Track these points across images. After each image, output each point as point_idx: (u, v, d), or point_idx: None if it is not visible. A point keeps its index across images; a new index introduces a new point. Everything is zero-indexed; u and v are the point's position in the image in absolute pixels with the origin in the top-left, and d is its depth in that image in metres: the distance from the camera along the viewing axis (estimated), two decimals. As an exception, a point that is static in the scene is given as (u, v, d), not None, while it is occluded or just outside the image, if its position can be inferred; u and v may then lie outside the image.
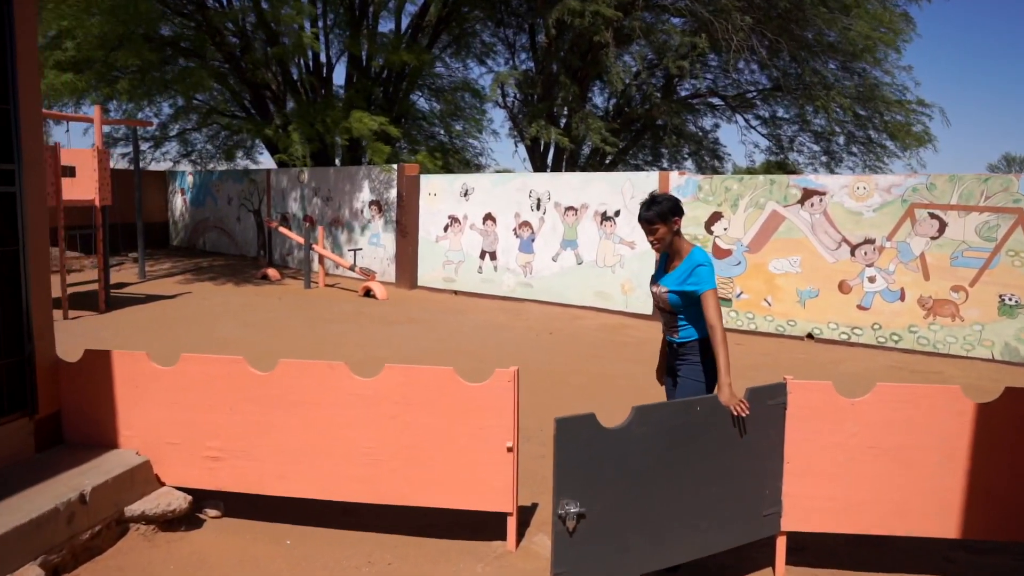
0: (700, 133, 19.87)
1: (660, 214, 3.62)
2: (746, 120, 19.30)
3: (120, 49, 13.46)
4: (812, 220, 9.38)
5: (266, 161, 18.77)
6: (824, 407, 3.50)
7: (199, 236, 19.69)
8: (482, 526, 4.01)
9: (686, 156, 21.01)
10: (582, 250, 11.59)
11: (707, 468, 3.37)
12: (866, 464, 3.48)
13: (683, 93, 18.53)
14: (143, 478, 3.97)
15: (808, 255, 9.44)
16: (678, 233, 3.69)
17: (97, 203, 10.69)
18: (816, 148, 18.68)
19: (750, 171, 21.73)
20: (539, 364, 8.06)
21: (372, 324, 10.18)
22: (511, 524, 3.83)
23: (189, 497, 4.02)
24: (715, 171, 19.25)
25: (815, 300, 9.41)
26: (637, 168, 19.98)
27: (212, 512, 4.20)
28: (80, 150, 10.82)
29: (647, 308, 10.84)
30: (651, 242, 3.72)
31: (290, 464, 3.94)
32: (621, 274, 11.15)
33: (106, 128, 17.82)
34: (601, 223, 11.35)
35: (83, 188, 10.79)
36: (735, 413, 3.39)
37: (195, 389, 4.01)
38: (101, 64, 13.84)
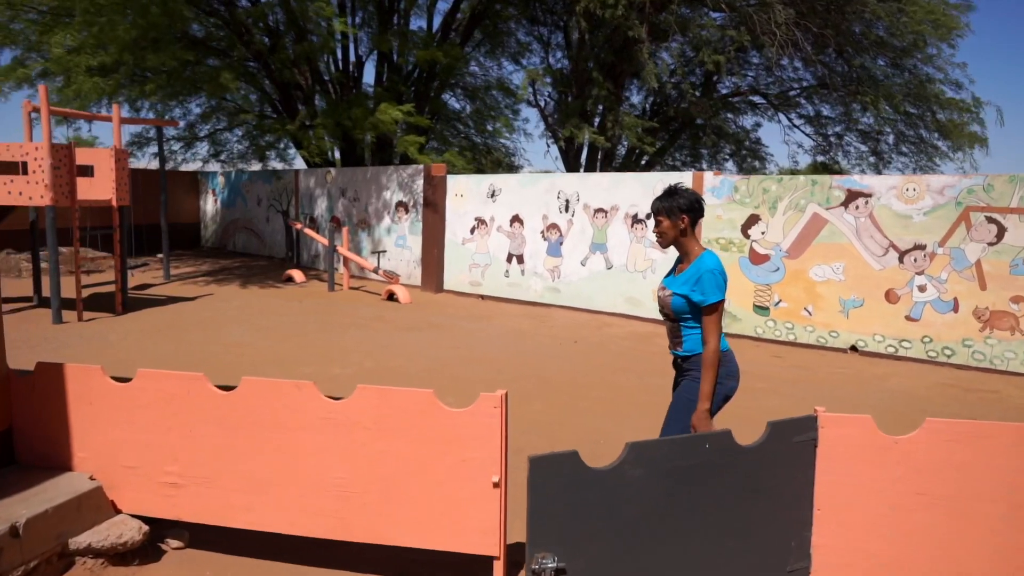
0: (741, 133, 19.14)
1: (668, 208, 3.39)
2: (789, 119, 18.55)
3: (149, 51, 13.31)
4: (857, 224, 8.73)
5: (299, 162, 18.54)
6: (863, 445, 2.96)
7: (229, 237, 19.57)
8: (470, 567, 3.55)
9: (726, 157, 20.31)
10: (612, 254, 11.06)
11: (719, 517, 2.85)
12: (913, 514, 2.93)
13: (723, 91, 17.85)
14: (94, 505, 3.58)
15: (852, 261, 8.79)
16: (685, 233, 3.43)
17: (114, 203, 10.47)
18: (863, 148, 17.86)
19: (793, 172, 20.93)
20: (560, 375, 7.56)
21: (390, 330, 9.78)
22: (497, 570, 3.35)
23: (144, 527, 3.63)
24: (756, 172, 18.53)
25: (859, 310, 8.76)
26: (675, 169, 19.34)
27: (174, 543, 3.80)
28: (98, 149, 10.62)
29: (679, 316, 10.26)
30: (655, 234, 3.51)
31: (255, 494, 3.52)
32: (652, 280, 10.60)
33: (136, 128, 17.82)
34: (632, 226, 10.81)
35: (102, 188, 10.59)
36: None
37: (152, 407, 3.61)
38: (130, 67, 13.72)
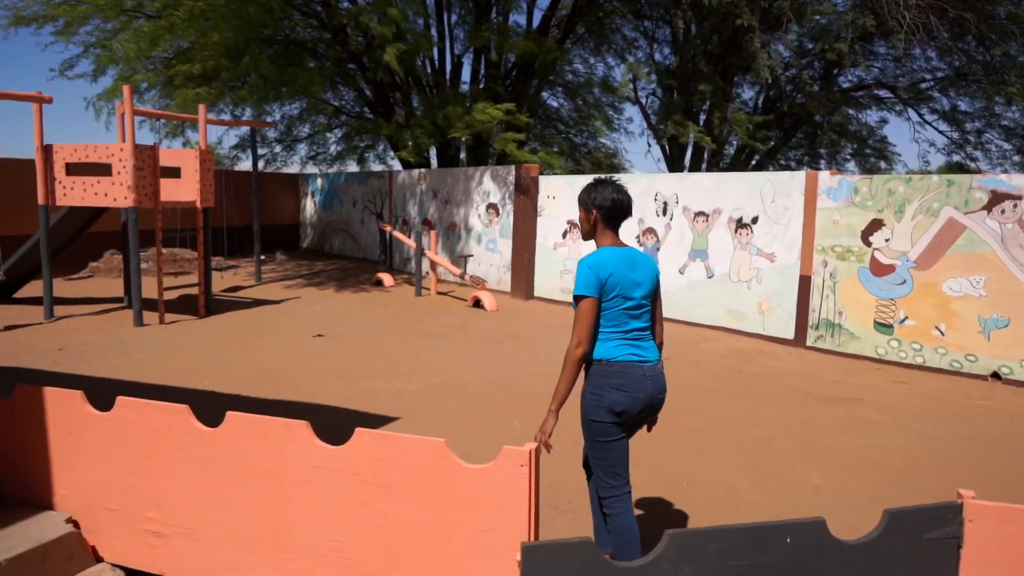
0: (864, 130, 17.57)
1: (583, 200, 3.26)
2: (920, 115, 16.87)
3: (246, 54, 13.30)
4: (1003, 231, 7.48)
5: (398, 163, 18.32)
6: (1030, 552, 2.08)
7: (327, 239, 19.58)
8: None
9: (847, 156, 18.76)
10: (713, 261, 10.10)
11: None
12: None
13: (844, 84, 16.39)
14: (67, 553, 3.10)
15: (996, 274, 7.55)
16: (596, 228, 3.23)
17: (198, 205, 10.34)
18: (1007, 146, 16.01)
19: (924, 173, 19.12)
20: (644, 399, 6.74)
21: (469, 340, 9.19)
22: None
23: (123, 582, 3.12)
24: (881, 173, 16.95)
25: (1004, 331, 7.50)
26: (786, 169, 17.98)
27: (162, 599, 3.28)
28: (183, 150, 10.54)
29: (788, 331, 9.22)
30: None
31: (240, 551, 2.94)
32: (758, 291, 9.58)
33: (239, 131, 18.02)
34: (736, 231, 9.82)
35: (188, 189, 10.50)
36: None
37: (134, 443, 3.10)
38: (228, 72, 13.76)
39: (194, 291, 12.34)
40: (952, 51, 13.61)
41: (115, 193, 9.48)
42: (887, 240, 8.32)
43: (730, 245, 9.91)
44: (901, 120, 17.62)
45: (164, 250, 14.88)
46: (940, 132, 17.04)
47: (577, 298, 3.07)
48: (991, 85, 13.94)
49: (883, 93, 16.98)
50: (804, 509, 4.46)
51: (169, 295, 12.07)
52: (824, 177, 8.91)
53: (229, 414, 2.94)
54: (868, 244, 8.48)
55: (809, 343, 9.06)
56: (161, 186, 10.27)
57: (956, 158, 16.69)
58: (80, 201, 9.75)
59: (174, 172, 10.66)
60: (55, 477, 3.26)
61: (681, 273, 10.49)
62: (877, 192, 8.39)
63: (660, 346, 3.36)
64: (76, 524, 3.20)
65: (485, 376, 7.37)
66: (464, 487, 2.60)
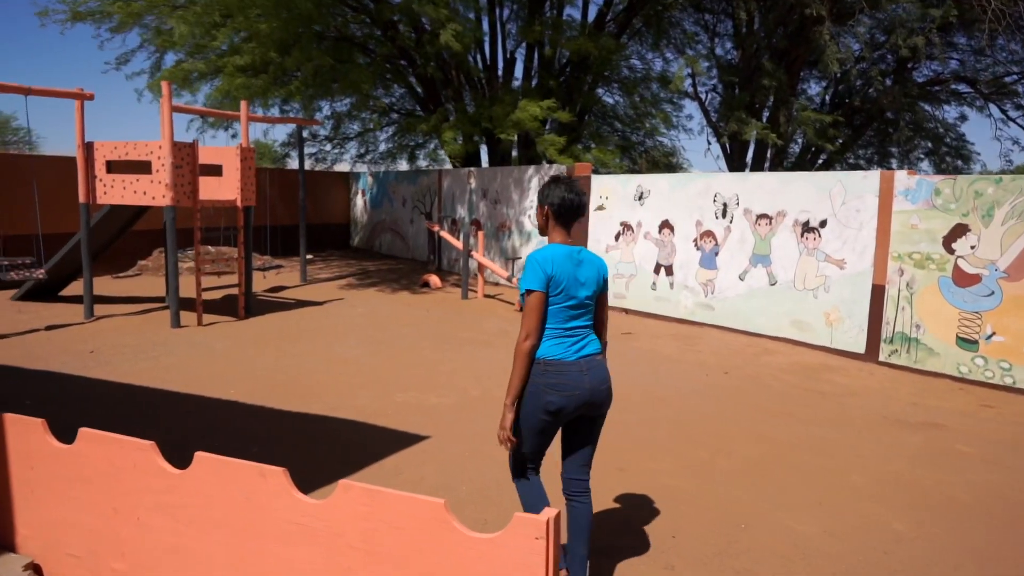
0: (940, 127, 16.47)
1: (539, 196, 3.32)
2: (1003, 110, 15.76)
3: (295, 48, 13.06)
4: (1109, 238, 6.67)
5: (449, 162, 17.92)
6: None
7: (376, 238, 19.32)
8: None
9: (921, 156, 17.68)
10: (776, 267, 9.41)
11: None
12: None
13: (919, 79, 15.37)
14: (23, 606, 2.70)
15: (1101, 287, 6.73)
16: (549, 223, 3.28)
17: (239, 204, 10.07)
18: (1103, 145, 14.82)
19: (1014, 173, 17.91)
20: (700, 419, 6.15)
21: (510, 348, 8.62)
22: None
23: (83, 642, 2.70)
24: (960, 173, 15.88)
25: (1110, 351, 6.69)
26: (856, 168, 17.01)
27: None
28: (223, 148, 10.28)
29: (858, 344, 8.49)
30: None
31: (212, 616, 2.49)
32: (825, 300, 8.86)
33: (289, 129, 17.84)
34: (802, 235, 9.11)
35: (229, 188, 10.25)
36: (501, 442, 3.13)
37: (97, 481, 2.68)
38: (276, 67, 13.54)
39: (235, 291, 12.13)
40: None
41: (153, 191, 9.26)
42: (973, 247, 7.53)
43: (795, 250, 9.20)
44: (981, 116, 16.41)
45: (211, 249, 14.78)
46: (1024, 129, 15.91)
47: (525, 293, 3.12)
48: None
49: (961, 88, 15.92)
50: (884, 563, 3.84)
51: (212, 295, 11.89)
52: (901, 177, 8.15)
53: (198, 455, 2.49)
54: (951, 251, 7.71)
55: (882, 358, 8.32)
56: (202, 184, 10.05)
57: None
58: (120, 199, 9.57)
59: (215, 170, 10.43)
60: (16, 515, 2.87)
61: (741, 279, 9.81)
62: (962, 194, 7.61)
63: (604, 346, 3.33)
64: (38, 570, 2.81)
65: (526, 390, 6.86)
66: (469, 560, 2.10)
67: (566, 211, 3.23)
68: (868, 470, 5.18)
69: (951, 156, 17.15)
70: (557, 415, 3.16)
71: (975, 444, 5.76)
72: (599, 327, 3.34)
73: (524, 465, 3.34)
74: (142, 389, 6.51)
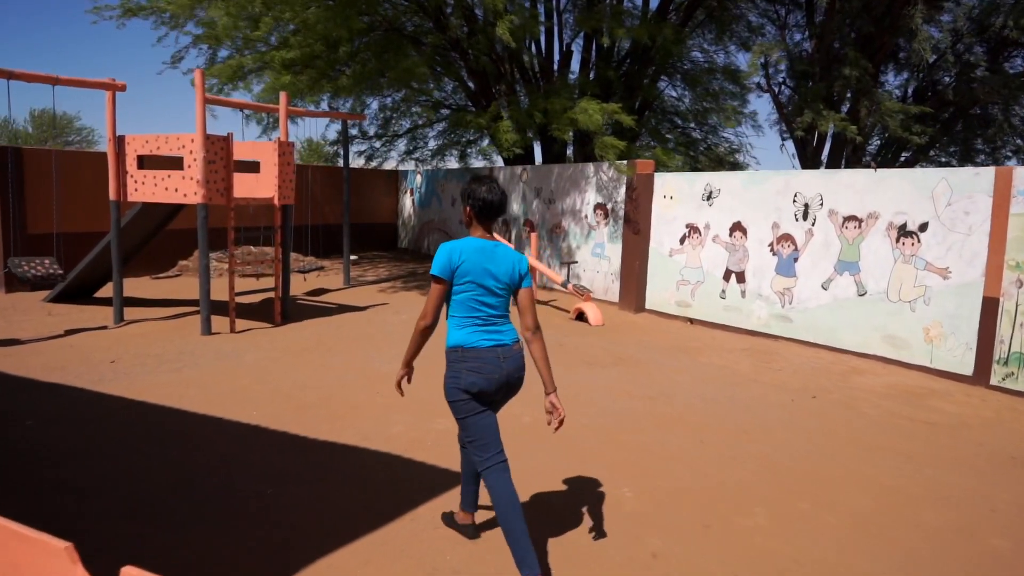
0: None
1: (461, 194, 3.50)
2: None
3: (342, 42, 12.41)
4: None
5: (501, 160, 17.11)
6: None
7: (424, 238, 18.64)
8: None
9: (1008, 154, 16.24)
10: (866, 276, 8.37)
11: None
12: None
13: (1012, 71, 13.98)
14: None
15: None
16: (471, 223, 3.47)
17: (276, 202, 9.42)
18: None
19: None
20: (792, 456, 5.21)
21: (568, 364, 7.83)
22: None
23: None
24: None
25: None
26: (944, 165, 15.66)
27: None
28: (261, 143, 9.65)
29: (965, 365, 7.43)
30: None
31: None
32: (925, 313, 7.81)
33: (339, 125, 17.24)
34: (898, 240, 8.07)
35: (268, 185, 9.60)
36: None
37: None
38: (324, 61, 12.91)
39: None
40: None
41: (185, 188, 8.66)
42: (1112, 256, 6.43)
43: (889, 256, 8.15)
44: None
45: (253, 249, 14.24)
46: None
47: (431, 277, 3.34)
48: None
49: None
50: None
51: (250, 299, 11.30)
52: (1021, 174, 7.06)
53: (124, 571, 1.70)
54: (1083, 260, 6.62)
55: (994, 382, 7.24)
56: (238, 181, 9.43)
57: None
58: (151, 197, 9.00)
59: (253, 167, 9.82)
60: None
61: (824, 288, 8.79)
62: (1099, 194, 6.51)
63: (530, 330, 3.46)
64: None
65: (585, 416, 6.01)
66: None
67: (485, 210, 3.42)
68: (1011, 531, 4.21)
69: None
70: (478, 396, 3.38)
71: None
72: (523, 315, 3.48)
73: (483, 461, 3.44)
74: (156, 409, 5.84)
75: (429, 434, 5.45)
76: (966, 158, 16.24)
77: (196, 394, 6.25)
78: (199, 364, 7.32)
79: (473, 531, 3.87)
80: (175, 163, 9.22)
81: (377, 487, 4.47)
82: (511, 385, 3.50)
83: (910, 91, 14.96)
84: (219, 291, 10.59)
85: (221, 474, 4.57)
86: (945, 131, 14.67)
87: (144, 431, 5.34)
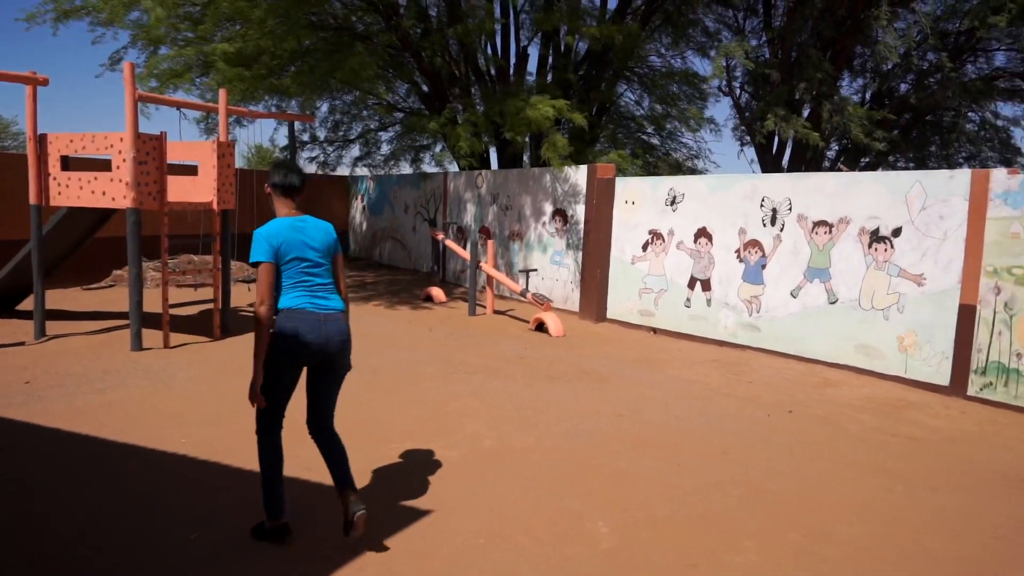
0: (982, 129, 14.95)
1: (268, 175, 3.75)
2: (1060, 111, 14.38)
3: (287, 37, 11.75)
4: None
5: (455, 165, 16.57)
6: None
7: (375, 247, 18.00)
8: None
9: (960, 160, 16.29)
10: (837, 283, 8.07)
11: None
12: None
13: (972, 74, 13.97)
14: None
15: None
16: (275, 201, 3.75)
17: (215, 207, 8.77)
18: None
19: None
20: (777, 479, 4.79)
21: (530, 379, 7.35)
22: None
23: None
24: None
25: None
26: (919, 167, 15.59)
27: None
28: (198, 143, 9.01)
29: (941, 375, 7.16)
30: None
31: None
32: (899, 321, 7.52)
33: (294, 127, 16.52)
34: (870, 245, 7.78)
35: (207, 189, 8.95)
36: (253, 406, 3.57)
37: None
38: (271, 57, 12.23)
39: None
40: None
41: (113, 191, 7.98)
42: (1095, 261, 6.20)
43: (861, 263, 7.86)
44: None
45: (195, 258, 13.49)
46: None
47: (255, 264, 3.50)
48: None
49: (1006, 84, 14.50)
50: None
51: (187, 311, 10.59)
52: (999, 177, 6.81)
53: None
54: (1064, 266, 6.37)
55: (971, 392, 6.97)
56: (174, 184, 8.78)
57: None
58: (76, 201, 8.28)
59: (192, 170, 9.16)
60: None
61: (794, 296, 8.47)
62: (1080, 197, 6.27)
63: (345, 303, 3.74)
64: None
65: (551, 437, 5.52)
66: None
67: (286, 190, 3.72)
68: (1020, 560, 3.84)
69: (993, 161, 15.77)
70: (298, 355, 3.52)
71: None
72: (338, 282, 3.75)
73: (270, 419, 3.66)
74: (71, 437, 5.18)
75: (380, 461, 4.90)
76: (922, 164, 16.26)
77: (120, 419, 5.60)
78: (126, 384, 6.65)
79: (288, 533, 3.69)
80: (104, 165, 8.52)
81: (320, 528, 3.91)
82: (332, 351, 3.58)
83: (868, 96, 14.87)
84: (154, 303, 9.86)
85: (133, 517, 3.97)
86: (904, 137, 14.60)
87: (53, 465, 4.69)
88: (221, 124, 9.28)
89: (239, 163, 12.54)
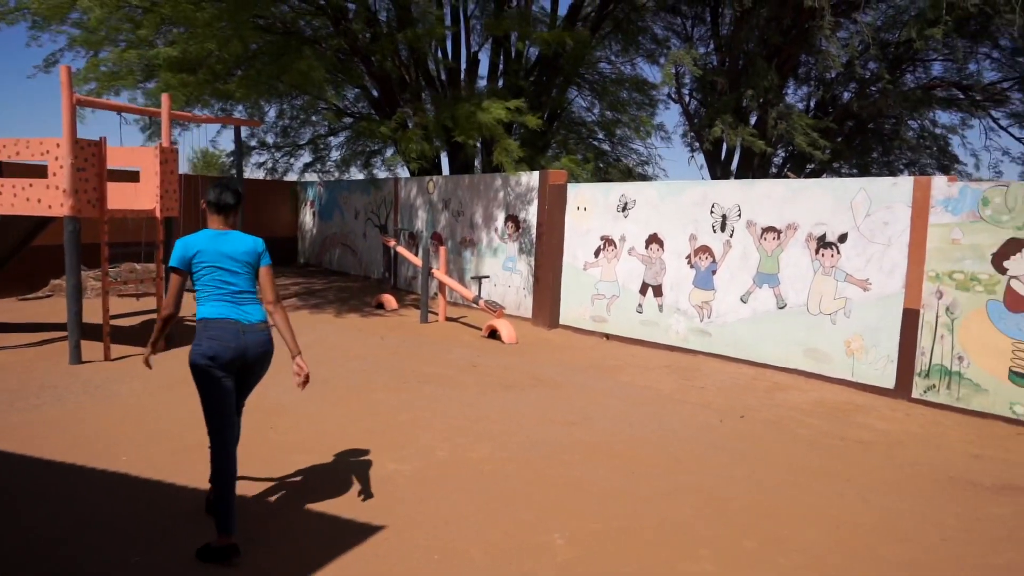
0: (940, 134, 15.35)
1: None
2: (994, 119, 14.88)
3: (232, 40, 11.49)
4: None
5: (406, 171, 16.42)
6: None
7: (325, 253, 17.75)
8: None
9: (901, 168, 16.71)
10: (786, 288, 8.18)
11: None
12: None
13: (912, 83, 14.36)
14: None
15: None
16: (208, 216, 3.85)
17: (157, 214, 8.52)
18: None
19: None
20: (731, 485, 4.81)
21: (484, 387, 7.28)
22: None
23: None
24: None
25: None
26: (864, 174, 15.94)
27: None
28: (139, 149, 8.76)
29: (886, 379, 7.30)
30: None
31: None
32: (846, 326, 7.65)
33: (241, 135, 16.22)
34: (817, 251, 7.90)
35: (149, 196, 8.70)
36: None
37: None
38: (215, 60, 11.95)
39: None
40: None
41: (50, 199, 7.69)
42: (1032, 266, 6.38)
43: (808, 269, 7.98)
44: (966, 125, 15.38)
45: (137, 266, 13.12)
46: (1017, 139, 15.04)
47: (168, 269, 3.71)
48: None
49: (954, 93, 14.95)
50: None
51: (129, 322, 10.28)
52: (940, 184, 6.97)
53: None
54: (1002, 270, 6.54)
55: (915, 395, 7.12)
56: (114, 191, 8.52)
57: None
58: (10, 209, 7.96)
59: (133, 176, 8.90)
60: None
61: (744, 302, 8.57)
62: (1017, 203, 6.45)
63: (271, 303, 3.83)
64: None
65: (506, 447, 5.46)
66: None
67: (217, 207, 3.83)
68: (969, 564, 3.90)
69: (932, 169, 16.23)
70: (215, 360, 3.59)
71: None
72: (265, 291, 3.83)
73: (220, 429, 3.67)
74: (4, 456, 4.95)
75: (329, 476, 4.78)
76: (865, 171, 16.64)
77: (57, 437, 5.38)
78: (63, 400, 6.40)
79: (237, 554, 3.58)
80: (40, 171, 8.22)
81: (262, 549, 3.79)
82: (250, 360, 3.73)
83: (812, 104, 15.18)
84: (94, 313, 9.54)
85: (74, 542, 3.80)
86: (847, 144, 14.93)
87: (-16, 486, 4.47)
88: (164, 129, 9.04)
89: (184, 168, 12.20)
